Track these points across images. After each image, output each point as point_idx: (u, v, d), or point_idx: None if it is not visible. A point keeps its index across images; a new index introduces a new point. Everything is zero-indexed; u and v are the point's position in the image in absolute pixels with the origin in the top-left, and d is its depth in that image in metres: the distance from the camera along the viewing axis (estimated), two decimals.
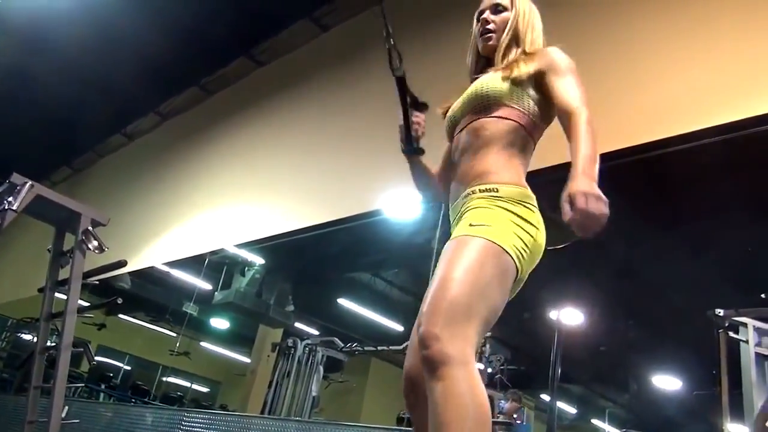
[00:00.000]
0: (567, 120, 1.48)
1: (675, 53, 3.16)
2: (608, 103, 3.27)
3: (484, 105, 1.59)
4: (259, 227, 5.59)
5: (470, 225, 1.40)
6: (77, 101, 7.13)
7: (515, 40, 1.69)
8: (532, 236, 1.43)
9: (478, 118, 1.59)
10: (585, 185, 1.29)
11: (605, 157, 3.19)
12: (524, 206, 1.46)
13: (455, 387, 1.19)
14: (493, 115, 1.57)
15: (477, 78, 1.70)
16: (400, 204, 4.73)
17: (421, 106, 1.67)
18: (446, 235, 1.61)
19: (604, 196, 1.28)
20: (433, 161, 1.85)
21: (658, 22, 3.28)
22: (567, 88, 1.53)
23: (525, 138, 1.58)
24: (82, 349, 2.31)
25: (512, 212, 1.43)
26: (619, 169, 3.43)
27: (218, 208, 6.14)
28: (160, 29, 5.98)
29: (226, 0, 5.63)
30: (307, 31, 5.82)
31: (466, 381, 1.21)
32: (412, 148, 1.69)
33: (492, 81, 1.61)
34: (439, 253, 1.56)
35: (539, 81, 1.58)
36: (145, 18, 5.83)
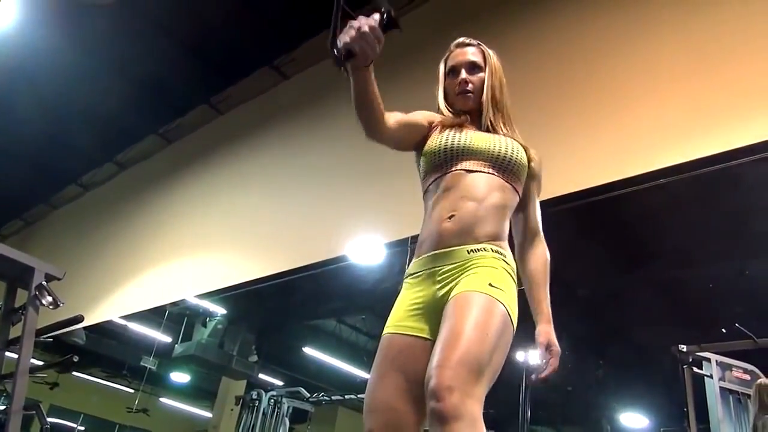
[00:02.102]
0: (532, 245, 1.65)
1: (634, 95, 3.26)
2: (567, 145, 3.35)
3: (507, 168, 1.58)
4: (220, 277, 5.48)
5: (490, 285, 1.39)
6: (29, 152, 6.97)
7: (494, 100, 1.70)
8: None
9: (498, 176, 1.57)
10: (554, 335, 1.54)
11: (565, 199, 3.27)
12: (516, 281, 1.52)
13: None
14: (511, 183, 1.59)
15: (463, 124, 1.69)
16: (364, 249, 4.71)
17: (389, 20, 1.33)
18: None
19: None
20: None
21: (614, 65, 3.39)
22: (539, 211, 1.69)
23: None
24: (33, 412, 2.16)
25: (514, 283, 1.49)
26: (580, 210, 3.50)
27: (178, 258, 6.01)
28: (117, 77, 5.94)
29: (185, 49, 5.64)
30: (268, 79, 5.85)
31: None
32: (332, 51, 1.34)
33: (521, 154, 1.62)
34: None
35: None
36: (102, 66, 5.79)
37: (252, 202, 5.58)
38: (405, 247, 3.82)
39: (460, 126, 1.66)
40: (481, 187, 1.54)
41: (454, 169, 1.57)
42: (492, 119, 1.68)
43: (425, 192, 1.64)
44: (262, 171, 5.63)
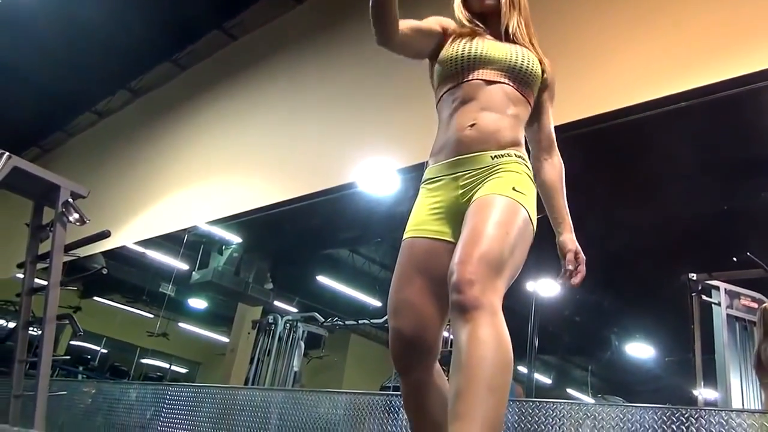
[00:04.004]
0: (548, 154, 1.67)
1: (635, 26, 3.21)
2: (579, 69, 3.31)
3: (522, 79, 1.57)
4: (231, 203, 5.56)
5: (513, 189, 1.42)
6: (45, 80, 6.96)
7: (513, 3, 1.67)
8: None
9: (513, 87, 1.56)
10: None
11: (572, 126, 3.26)
12: (535, 187, 1.56)
13: (482, 330, 1.21)
14: (524, 95, 1.59)
15: (478, 27, 1.64)
16: (374, 176, 4.73)
17: None
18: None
19: None
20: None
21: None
22: (552, 121, 1.69)
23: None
24: (67, 321, 2.28)
25: (534, 189, 1.52)
26: (586, 137, 3.47)
27: (190, 185, 6.09)
28: (129, 4, 5.85)
29: None
30: (281, 4, 5.75)
31: (493, 327, 1.22)
32: None
33: (535, 65, 1.60)
34: None
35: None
36: None
37: (265, 128, 5.59)
38: (420, 173, 3.85)
39: (475, 35, 1.62)
40: (501, 97, 1.54)
41: (471, 78, 1.56)
42: (513, 23, 1.65)
43: (439, 101, 1.63)
44: (275, 97, 5.62)
